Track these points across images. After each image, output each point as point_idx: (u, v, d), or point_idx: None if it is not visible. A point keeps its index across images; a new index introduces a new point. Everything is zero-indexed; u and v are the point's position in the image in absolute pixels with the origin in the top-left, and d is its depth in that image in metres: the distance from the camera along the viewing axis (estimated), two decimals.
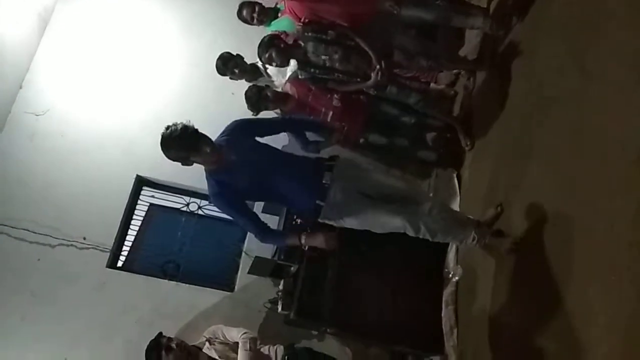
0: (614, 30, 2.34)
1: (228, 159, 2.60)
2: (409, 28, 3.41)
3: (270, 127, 2.92)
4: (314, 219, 2.75)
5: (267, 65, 3.81)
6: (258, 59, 3.34)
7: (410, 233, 2.73)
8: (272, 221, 3.80)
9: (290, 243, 2.83)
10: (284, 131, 3.05)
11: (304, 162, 2.83)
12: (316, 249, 2.76)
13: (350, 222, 2.74)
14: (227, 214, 2.78)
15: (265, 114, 3.58)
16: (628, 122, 2.11)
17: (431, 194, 3.79)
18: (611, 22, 2.36)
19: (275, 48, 3.17)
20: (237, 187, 2.63)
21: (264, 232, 2.74)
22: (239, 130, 2.73)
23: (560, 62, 2.69)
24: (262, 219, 2.80)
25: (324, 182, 2.68)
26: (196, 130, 2.50)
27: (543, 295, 2.42)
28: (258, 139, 2.78)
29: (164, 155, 2.55)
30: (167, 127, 2.49)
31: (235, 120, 2.79)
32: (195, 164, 2.61)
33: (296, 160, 2.81)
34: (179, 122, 2.49)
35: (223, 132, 2.74)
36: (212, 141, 2.56)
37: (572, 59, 2.58)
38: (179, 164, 2.58)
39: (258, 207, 3.58)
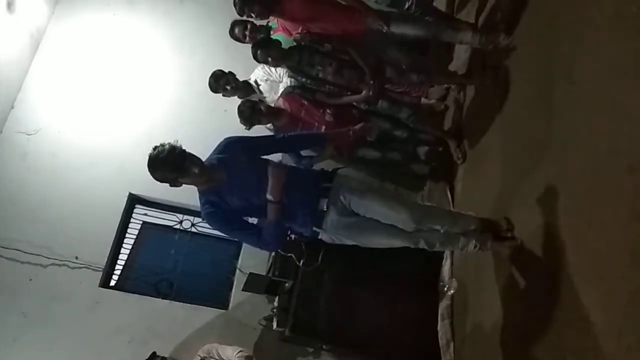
0: (598, 40, 2.38)
1: (220, 179, 2.52)
2: (400, 44, 3.45)
3: (264, 148, 2.77)
4: (311, 240, 2.74)
5: (259, 82, 3.85)
6: (254, 57, 3.29)
7: (410, 245, 2.70)
8: None
9: (274, 215, 2.54)
10: (278, 152, 2.95)
11: (302, 180, 2.69)
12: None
13: (349, 243, 2.72)
14: (223, 233, 2.69)
15: (257, 129, 3.60)
16: (619, 129, 2.13)
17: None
18: (596, 32, 2.40)
19: (275, 46, 3.20)
20: (229, 207, 2.54)
21: (262, 238, 2.57)
22: (231, 148, 2.64)
23: (549, 73, 2.73)
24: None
25: (319, 208, 2.62)
26: (183, 150, 2.43)
27: (538, 306, 2.42)
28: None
29: None
30: (154, 148, 2.41)
31: (227, 138, 2.70)
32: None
33: (293, 179, 2.63)
34: (166, 143, 2.41)
35: (215, 149, 2.65)
36: (201, 161, 2.48)
37: (561, 70, 2.62)
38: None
39: None
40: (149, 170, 2.43)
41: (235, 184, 2.54)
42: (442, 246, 2.77)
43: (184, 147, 2.44)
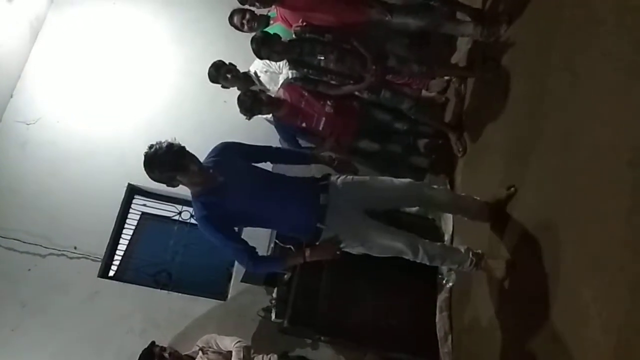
0: (602, 35, 2.36)
1: (216, 181, 2.47)
2: (401, 35, 3.43)
3: (259, 154, 2.78)
4: (313, 242, 2.63)
5: (259, 74, 3.83)
6: (256, 55, 3.26)
7: (409, 257, 2.69)
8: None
9: (292, 264, 2.75)
10: (268, 161, 2.89)
11: (298, 182, 2.71)
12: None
13: (350, 245, 2.65)
14: (215, 240, 2.53)
15: (255, 120, 3.59)
16: (620, 123, 2.12)
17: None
18: (600, 26, 2.39)
19: (276, 41, 3.16)
20: (226, 211, 2.49)
21: (255, 260, 2.57)
22: (227, 151, 2.62)
23: (552, 66, 2.71)
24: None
25: (321, 203, 2.59)
26: (182, 147, 2.36)
27: (537, 299, 2.42)
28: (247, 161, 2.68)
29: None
30: (151, 146, 2.34)
31: (223, 142, 2.68)
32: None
33: (290, 182, 2.69)
34: (163, 140, 2.35)
35: (210, 153, 2.62)
36: (199, 160, 2.43)
37: (563, 63, 2.61)
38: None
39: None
40: (146, 169, 2.35)
41: (233, 187, 2.50)
42: (441, 260, 2.77)
43: (182, 144, 2.38)
